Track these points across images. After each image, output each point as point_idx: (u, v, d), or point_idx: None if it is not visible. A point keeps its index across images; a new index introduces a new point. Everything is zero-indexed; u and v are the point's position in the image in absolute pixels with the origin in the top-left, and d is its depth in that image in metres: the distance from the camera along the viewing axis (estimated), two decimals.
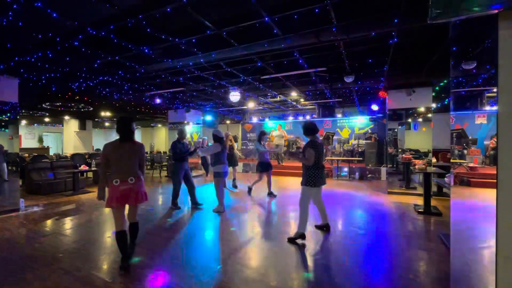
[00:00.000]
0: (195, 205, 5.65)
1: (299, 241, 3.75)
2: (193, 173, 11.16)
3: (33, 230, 4.40)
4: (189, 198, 5.81)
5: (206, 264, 3.15)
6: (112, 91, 8.77)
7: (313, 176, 3.77)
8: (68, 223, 4.76)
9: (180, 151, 5.45)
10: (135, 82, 7.81)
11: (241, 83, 7.96)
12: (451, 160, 7.21)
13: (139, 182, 2.98)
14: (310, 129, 3.92)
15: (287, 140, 12.78)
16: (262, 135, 6.72)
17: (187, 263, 3.19)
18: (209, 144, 9.07)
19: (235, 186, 7.86)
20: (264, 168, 6.55)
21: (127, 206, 3.02)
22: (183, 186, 5.65)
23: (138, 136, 21.57)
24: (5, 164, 5.96)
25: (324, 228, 4.22)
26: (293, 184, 8.72)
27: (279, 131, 11.37)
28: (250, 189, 6.90)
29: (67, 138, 15.41)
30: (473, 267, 3.01)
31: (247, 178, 9.03)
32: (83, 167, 7.98)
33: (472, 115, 10.20)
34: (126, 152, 2.95)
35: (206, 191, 7.47)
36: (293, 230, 4.41)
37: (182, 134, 5.67)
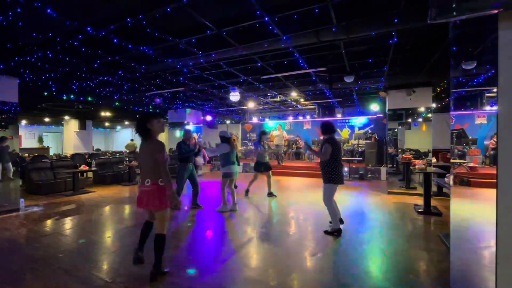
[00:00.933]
0: (196, 206, 5.66)
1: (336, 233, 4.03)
2: None
3: (33, 230, 4.39)
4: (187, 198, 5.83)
5: (207, 264, 3.15)
6: (112, 91, 8.77)
7: (333, 174, 3.95)
8: (68, 223, 4.76)
9: (184, 151, 5.45)
10: (135, 82, 7.80)
11: (241, 83, 7.96)
12: (451, 160, 7.21)
13: (154, 186, 2.69)
14: (328, 127, 4.09)
15: (287, 140, 12.80)
16: (262, 134, 6.70)
17: (187, 262, 3.18)
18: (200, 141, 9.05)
19: (235, 186, 7.85)
20: (263, 168, 6.54)
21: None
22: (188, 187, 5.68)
23: (137, 136, 21.53)
24: (10, 164, 5.98)
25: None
26: (293, 184, 8.72)
27: (279, 131, 11.36)
28: (247, 191, 6.87)
29: (67, 138, 15.39)
30: (473, 267, 3.01)
31: (248, 178, 9.00)
32: (83, 167, 7.98)
33: (472, 115, 10.20)
34: (144, 153, 2.83)
35: (205, 191, 7.47)
36: (293, 229, 4.42)
37: (187, 135, 5.66)
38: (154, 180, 2.70)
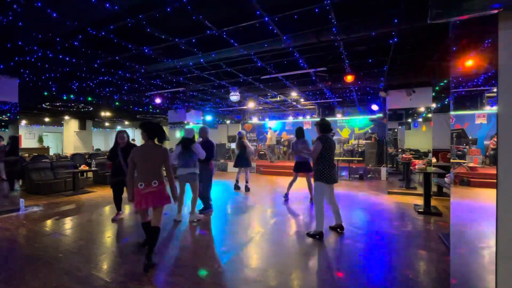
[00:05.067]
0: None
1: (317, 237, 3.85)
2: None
3: (33, 230, 4.39)
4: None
5: (207, 263, 3.15)
6: (112, 91, 8.77)
7: (323, 172, 3.83)
8: (68, 223, 4.76)
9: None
10: (135, 82, 7.80)
11: (241, 83, 7.95)
12: (451, 160, 7.21)
13: (162, 186, 3.08)
14: (324, 126, 3.98)
15: (287, 141, 12.81)
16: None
17: (187, 262, 3.18)
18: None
19: (248, 189, 7.49)
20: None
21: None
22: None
23: (138, 137, 21.54)
24: (2, 164, 5.93)
25: (338, 229, 4.15)
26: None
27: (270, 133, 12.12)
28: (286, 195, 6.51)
29: (67, 138, 15.39)
30: (473, 267, 3.01)
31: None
32: (83, 167, 7.97)
33: (472, 115, 10.20)
34: (150, 156, 3.09)
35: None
36: (293, 229, 4.42)
37: (201, 133, 5.36)
38: (160, 180, 3.07)
